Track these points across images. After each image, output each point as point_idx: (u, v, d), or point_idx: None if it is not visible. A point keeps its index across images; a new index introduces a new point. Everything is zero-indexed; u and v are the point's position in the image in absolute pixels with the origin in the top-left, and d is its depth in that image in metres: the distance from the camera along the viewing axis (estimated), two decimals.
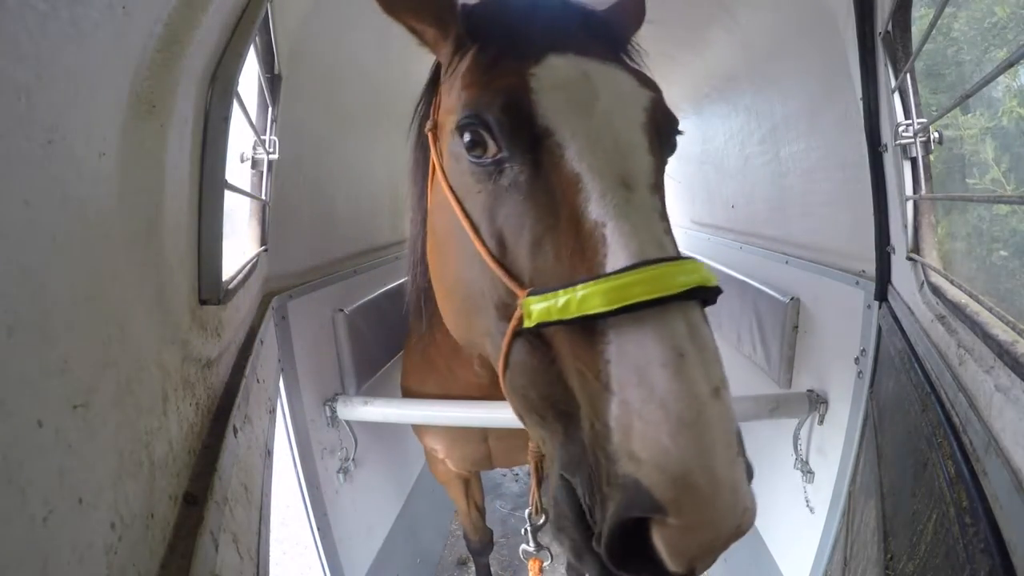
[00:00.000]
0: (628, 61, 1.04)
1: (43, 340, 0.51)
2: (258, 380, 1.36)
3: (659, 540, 0.62)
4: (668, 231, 0.78)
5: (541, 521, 1.52)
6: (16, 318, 0.47)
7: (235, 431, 1.05)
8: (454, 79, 1.01)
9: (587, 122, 0.82)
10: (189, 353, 0.95)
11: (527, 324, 0.77)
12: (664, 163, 0.90)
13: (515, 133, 0.84)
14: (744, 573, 2.80)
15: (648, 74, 1.01)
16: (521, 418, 0.89)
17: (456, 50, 1.04)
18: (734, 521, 0.62)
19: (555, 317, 0.72)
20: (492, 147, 0.86)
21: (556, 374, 0.77)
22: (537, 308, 0.75)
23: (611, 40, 1.03)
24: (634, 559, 0.64)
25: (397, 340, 2.54)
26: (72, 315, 0.56)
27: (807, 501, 2.03)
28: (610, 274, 0.69)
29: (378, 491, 2.63)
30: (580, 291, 0.69)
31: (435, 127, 1.10)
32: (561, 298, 0.71)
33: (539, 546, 1.56)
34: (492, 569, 2.93)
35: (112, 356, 0.65)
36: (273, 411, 1.57)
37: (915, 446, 1.16)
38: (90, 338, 0.60)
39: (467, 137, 0.88)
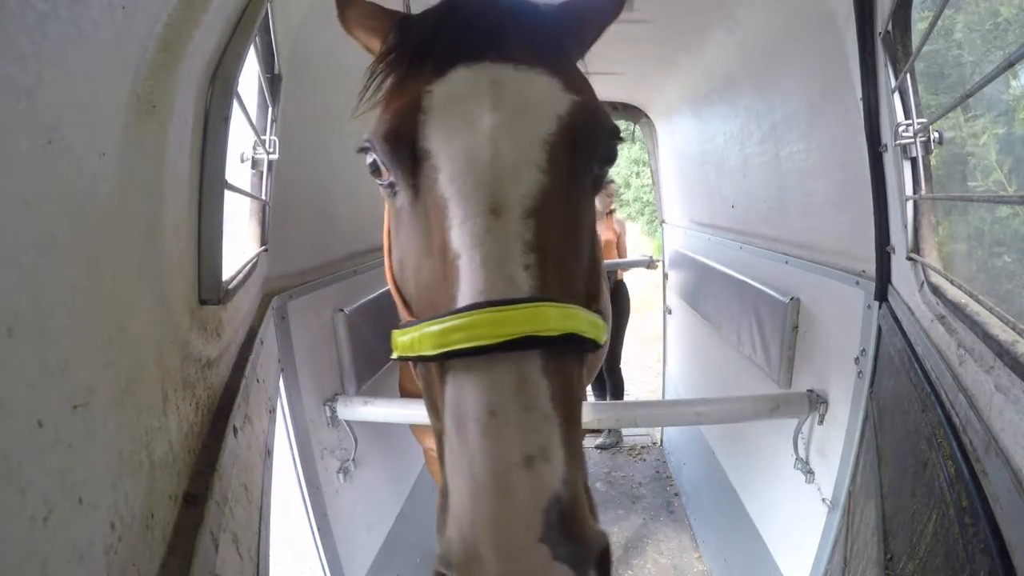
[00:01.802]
0: (563, 62, 0.90)
1: (43, 340, 0.51)
2: (258, 380, 1.36)
3: None
4: (533, 264, 0.67)
5: None
6: (16, 318, 0.47)
7: (235, 431, 1.05)
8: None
9: (468, 140, 0.75)
10: (189, 353, 0.95)
11: (392, 356, 0.76)
12: (583, 176, 0.81)
13: (397, 158, 0.80)
14: (744, 573, 2.80)
15: (581, 75, 0.92)
16: None
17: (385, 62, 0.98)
18: None
19: (407, 353, 0.70)
20: (386, 172, 0.84)
21: (433, 408, 0.74)
22: (400, 341, 0.72)
23: (552, 41, 0.91)
24: None
25: None
26: (72, 315, 0.56)
27: (807, 501, 2.03)
28: (446, 315, 0.64)
29: (378, 491, 2.63)
30: (422, 330, 0.66)
31: None
32: (413, 334, 0.68)
33: None
34: None
35: (112, 356, 0.65)
36: (273, 411, 1.57)
37: (915, 446, 1.16)
38: (90, 338, 0.60)
39: (369, 159, 0.86)
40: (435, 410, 0.72)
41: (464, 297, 0.66)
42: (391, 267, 0.95)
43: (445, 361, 0.64)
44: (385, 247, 1.02)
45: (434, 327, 0.64)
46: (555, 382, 0.62)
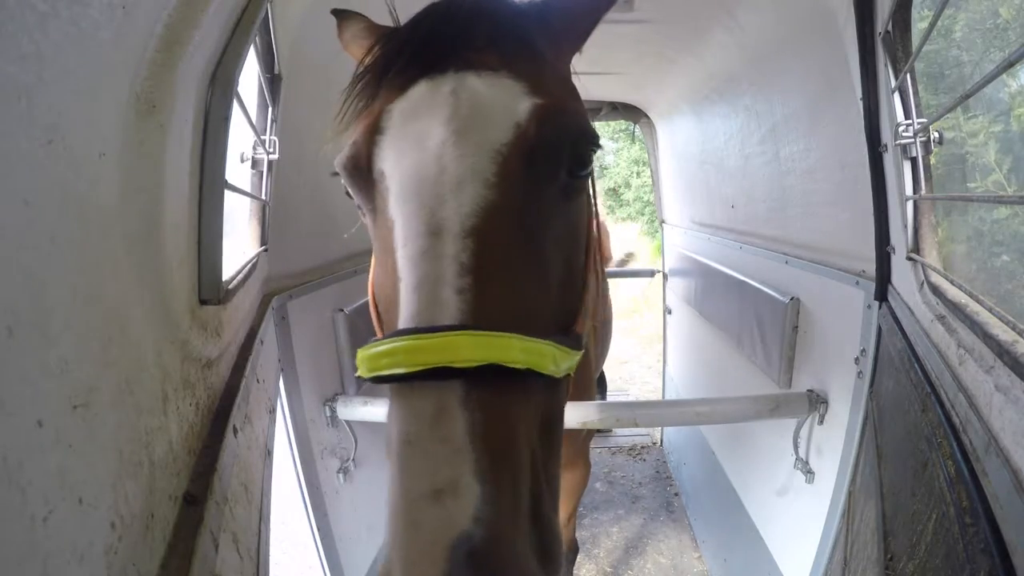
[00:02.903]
0: (537, 64, 0.83)
1: (43, 340, 0.51)
2: (258, 380, 1.36)
3: None
4: (468, 288, 0.64)
5: None
6: (16, 318, 0.47)
7: (235, 431, 1.05)
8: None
9: (415, 159, 0.72)
10: (189, 353, 0.95)
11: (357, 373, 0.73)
12: (546, 186, 0.75)
13: (357, 183, 0.79)
14: (744, 573, 2.80)
15: (558, 76, 0.87)
16: None
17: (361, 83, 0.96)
18: None
19: (359, 374, 0.67)
20: (351, 194, 0.83)
21: None
22: (359, 358, 0.69)
23: (526, 42, 0.85)
24: None
25: None
26: (72, 315, 0.56)
27: (807, 501, 2.03)
28: (379, 340, 0.63)
29: (378, 491, 2.63)
30: (364, 351, 0.64)
31: None
32: (361, 355, 0.66)
33: None
34: None
35: (112, 356, 0.65)
36: (273, 411, 1.57)
37: (915, 446, 1.16)
38: (90, 338, 0.60)
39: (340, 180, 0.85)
40: None
41: (399, 322, 0.65)
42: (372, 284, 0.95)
43: (387, 384, 0.63)
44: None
45: (370, 351, 0.63)
46: (478, 415, 0.58)
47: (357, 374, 0.69)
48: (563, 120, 0.76)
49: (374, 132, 0.77)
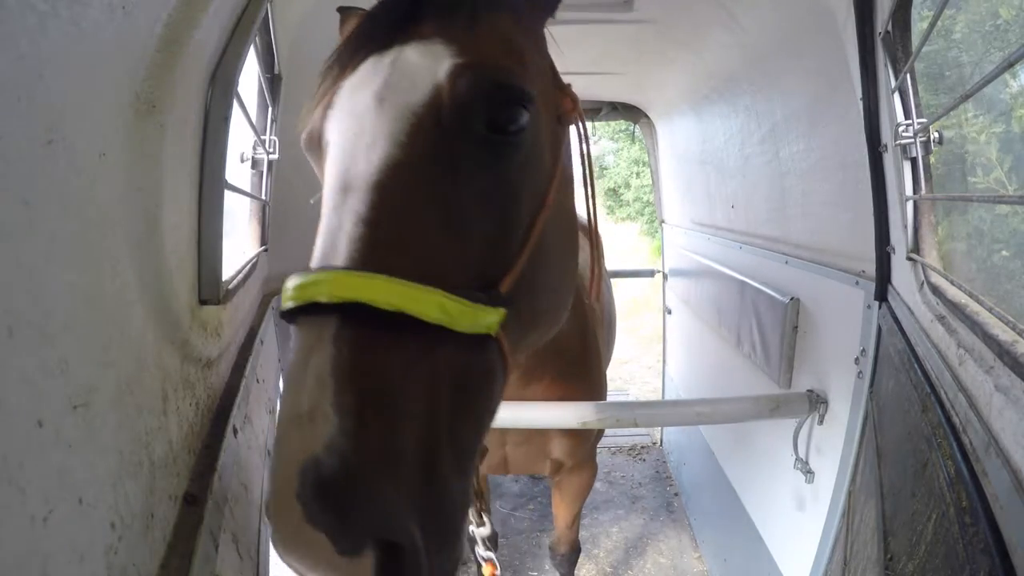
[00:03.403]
0: (482, 26, 0.85)
1: (43, 340, 0.51)
2: (258, 380, 1.36)
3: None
4: (360, 237, 0.68)
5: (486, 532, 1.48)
6: (16, 318, 0.47)
7: (235, 431, 1.05)
8: None
9: (345, 126, 0.78)
10: (189, 353, 0.95)
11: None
12: (462, 142, 0.77)
13: (314, 157, 0.86)
14: (744, 573, 2.80)
15: (503, 37, 0.87)
16: None
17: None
18: (307, 561, 0.56)
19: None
20: (316, 170, 0.88)
21: None
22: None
23: (463, 10, 0.86)
24: None
25: None
26: (72, 315, 0.56)
27: (807, 501, 2.03)
28: (303, 274, 0.68)
29: None
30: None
31: None
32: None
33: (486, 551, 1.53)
34: None
35: (112, 356, 0.65)
36: (273, 411, 1.57)
37: (915, 446, 1.16)
38: (90, 338, 0.60)
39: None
40: None
41: (314, 263, 0.71)
42: None
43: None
44: None
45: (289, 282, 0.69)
46: (344, 350, 0.61)
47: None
48: (477, 76, 0.77)
49: (326, 108, 0.83)
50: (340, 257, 0.67)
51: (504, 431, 1.88)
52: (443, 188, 0.74)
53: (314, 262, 0.69)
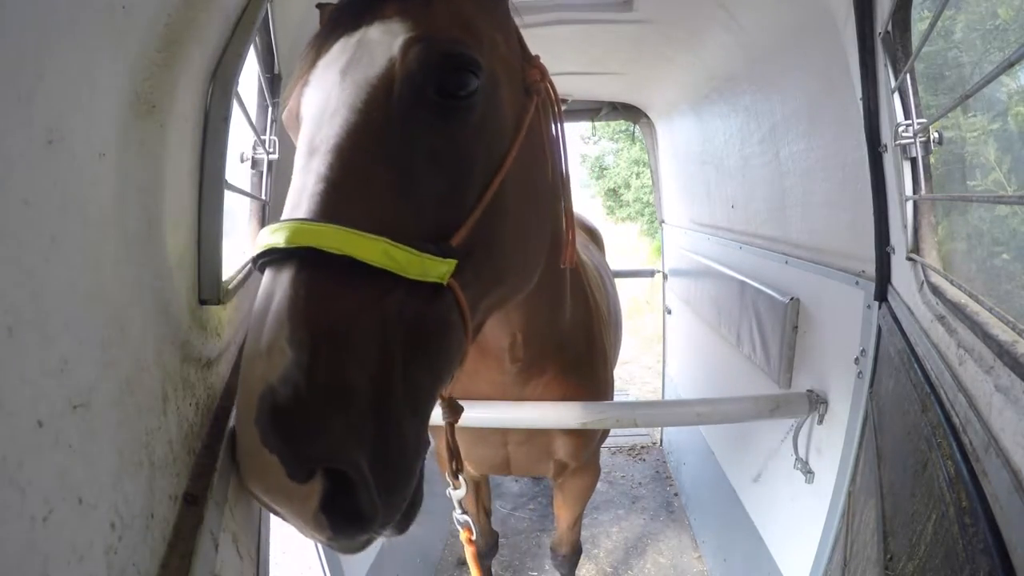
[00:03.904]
0: (428, 6, 0.92)
1: (43, 340, 0.51)
2: None
3: None
4: (320, 192, 0.75)
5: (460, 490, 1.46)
6: (16, 318, 0.47)
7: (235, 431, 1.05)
8: None
9: (314, 100, 0.86)
10: (189, 353, 0.94)
11: None
12: (415, 109, 0.84)
13: (294, 133, 0.91)
14: (744, 573, 2.80)
15: (453, 11, 0.93)
16: None
17: None
18: (279, 498, 0.65)
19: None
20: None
21: None
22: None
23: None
24: None
25: None
26: (72, 315, 0.56)
27: (807, 501, 2.03)
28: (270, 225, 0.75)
29: None
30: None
31: None
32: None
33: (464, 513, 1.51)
34: (492, 570, 2.93)
35: (112, 356, 0.65)
36: None
37: (915, 446, 1.16)
38: (90, 338, 0.60)
39: None
40: None
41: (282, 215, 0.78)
42: None
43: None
44: None
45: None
46: (300, 291, 0.68)
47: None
48: (426, 47, 0.84)
49: (303, 87, 0.90)
50: (301, 210, 0.74)
51: (505, 431, 1.88)
52: (396, 149, 0.81)
53: (282, 216, 0.76)
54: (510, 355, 1.56)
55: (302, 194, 0.76)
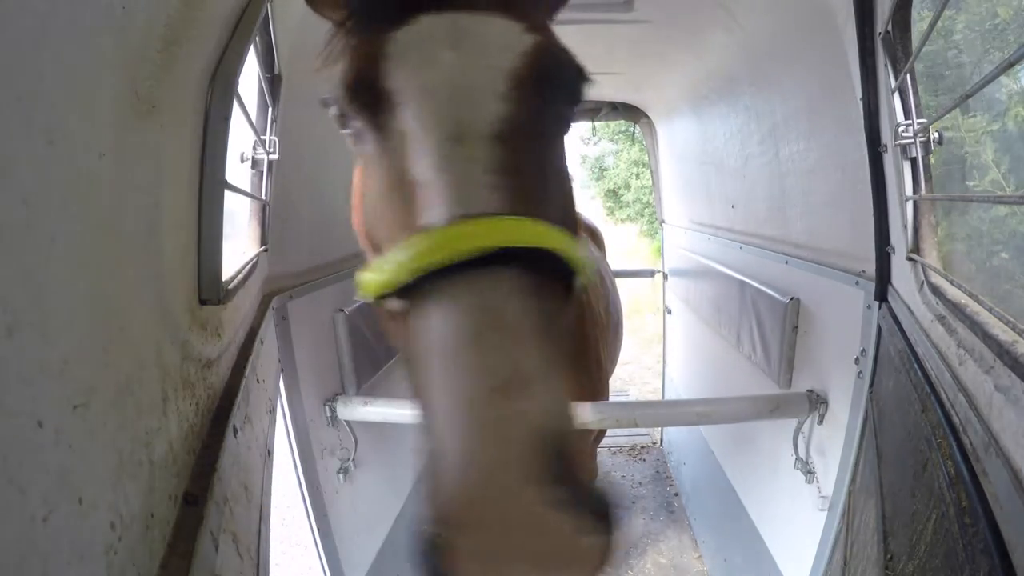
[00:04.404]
0: (528, 11, 0.89)
1: (43, 340, 0.51)
2: (258, 380, 1.36)
3: None
4: (500, 185, 0.65)
5: None
6: (16, 318, 0.47)
7: (235, 431, 1.05)
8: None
9: (429, 76, 0.76)
10: (189, 353, 0.95)
11: (363, 298, 0.69)
12: (546, 112, 0.80)
13: (361, 101, 0.80)
14: (744, 573, 2.80)
15: (546, 24, 0.92)
16: None
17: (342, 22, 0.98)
18: (554, 563, 0.47)
19: (369, 293, 0.65)
20: (351, 119, 0.84)
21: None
22: (364, 280, 0.67)
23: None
24: None
25: None
26: (72, 315, 0.56)
27: (807, 501, 2.03)
28: (413, 238, 0.60)
29: (378, 491, 2.63)
30: (392, 259, 0.61)
31: None
32: (364, 276, 0.64)
33: None
34: None
35: (112, 356, 0.65)
36: (273, 411, 1.57)
37: (915, 446, 1.16)
38: (90, 338, 0.60)
39: (333, 111, 0.86)
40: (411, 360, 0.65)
41: (427, 220, 0.63)
42: (361, 218, 0.92)
43: (420, 289, 0.58)
44: (354, 200, 0.99)
45: (396, 256, 0.60)
46: (533, 304, 0.55)
47: (362, 295, 0.65)
48: (560, 56, 0.83)
49: (379, 56, 0.80)
50: (490, 205, 0.62)
51: None
52: (539, 148, 0.76)
53: (451, 209, 0.62)
54: None
55: (471, 183, 0.65)
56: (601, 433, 2.23)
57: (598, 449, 5.05)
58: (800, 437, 2.03)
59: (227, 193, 1.11)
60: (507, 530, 0.46)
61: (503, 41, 0.80)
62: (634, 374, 7.43)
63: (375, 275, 0.65)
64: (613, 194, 18.09)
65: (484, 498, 0.46)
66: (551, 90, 0.80)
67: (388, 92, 0.77)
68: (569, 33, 0.95)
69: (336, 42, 0.91)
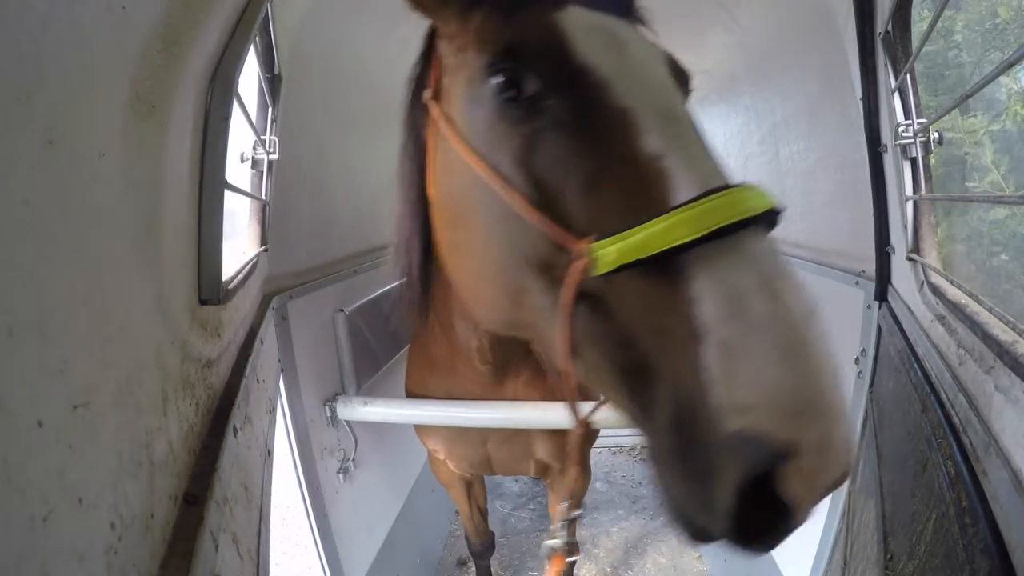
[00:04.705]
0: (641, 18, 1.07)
1: (43, 340, 0.51)
2: (258, 380, 1.36)
3: (785, 487, 0.55)
4: (717, 161, 0.74)
5: (578, 513, 1.34)
6: (16, 318, 0.47)
7: (235, 431, 1.05)
8: (465, 37, 0.98)
9: (625, 62, 0.82)
10: (189, 353, 0.95)
11: (600, 271, 0.69)
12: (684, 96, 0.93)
13: (555, 68, 0.82)
14: (744, 573, 2.80)
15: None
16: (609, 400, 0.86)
17: (464, 10, 0.99)
18: (850, 442, 0.58)
19: (633, 257, 0.65)
20: (530, 84, 0.82)
21: (628, 338, 0.69)
22: (609, 251, 0.68)
23: (623, 5, 1.04)
24: (759, 524, 0.58)
25: (397, 340, 2.54)
26: (72, 315, 0.56)
27: None
28: (686, 204, 0.65)
29: (378, 491, 2.63)
30: (659, 224, 0.64)
31: (436, 94, 1.07)
32: (638, 235, 0.65)
33: (572, 545, 1.36)
34: (492, 569, 2.93)
35: (112, 356, 0.65)
36: (273, 411, 1.57)
37: (915, 446, 1.16)
38: (90, 338, 0.60)
39: (499, 78, 0.84)
40: (624, 349, 0.70)
41: (689, 190, 0.68)
42: (475, 216, 0.94)
43: (698, 248, 0.63)
44: (450, 201, 1.02)
45: (686, 213, 0.64)
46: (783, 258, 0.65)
47: (637, 257, 0.66)
48: (682, 66, 0.97)
49: (559, 30, 0.85)
50: (727, 177, 0.71)
51: (486, 429, 1.87)
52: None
53: (708, 180, 0.69)
54: (479, 356, 1.57)
55: (707, 159, 0.74)
56: (594, 434, 2.22)
57: (598, 449, 5.06)
58: None
59: (227, 193, 1.11)
60: (835, 418, 0.56)
61: (654, 46, 0.93)
62: None
63: (623, 244, 0.67)
64: None
65: (821, 390, 0.56)
66: (684, 82, 0.94)
67: (582, 66, 0.81)
68: None
69: (491, 17, 0.93)
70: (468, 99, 0.95)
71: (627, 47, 0.85)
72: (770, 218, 0.67)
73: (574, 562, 2.68)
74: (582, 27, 0.85)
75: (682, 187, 0.68)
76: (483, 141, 0.91)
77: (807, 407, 0.55)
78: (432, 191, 1.15)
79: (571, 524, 1.34)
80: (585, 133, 0.78)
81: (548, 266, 0.80)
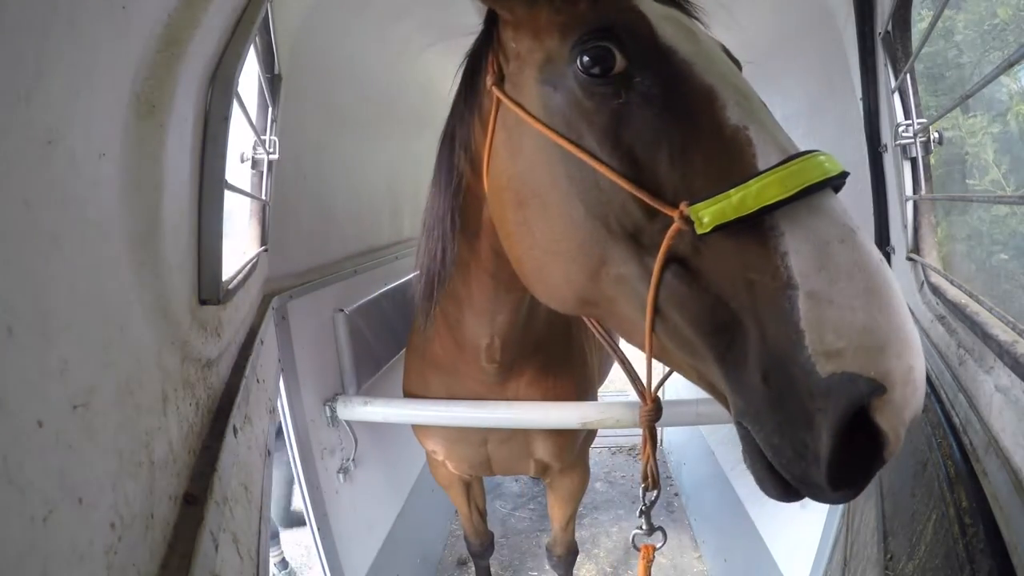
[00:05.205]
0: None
1: (43, 340, 0.51)
2: (258, 380, 1.36)
3: (881, 419, 0.61)
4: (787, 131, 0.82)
5: (655, 496, 1.36)
6: (16, 318, 0.47)
7: (235, 431, 1.05)
8: (536, 22, 1.00)
9: (700, 47, 0.90)
10: (189, 353, 0.95)
11: (701, 230, 0.75)
12: None
13: (643, 48, 0.87)
14: (744, 573, 2.80)
15: None
16: (680, 370, 0.89)
17: None
18: (924, 371, 0.64)
19: (732, 216, 0.72)
20: (620, 62, 0.87)
21: (717, 298, 0.75)
22: (708, 212, 0.74)
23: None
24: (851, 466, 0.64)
25: (397, 340, 2.54)
26: (72, 315, 0.56)
27: (807, 501, 2.03)
28: (775, 167, 0.72)
29: (378, 491, 2.63)
30: (754, 185, 0.71)
31: (500, 79, 1.09)
32: (735, 196, 0.72)
33: (652, 528, 1.39)
34: (492, 569, 2.93)
35: (112, 356, 0.65)
36: (273, 411, 1.57)
37: (915, 446, 1.16)
38: (90, 338, 0.60)
39: (587, 57, 0.88)
40: (716, 309, 0.75)
41: (774, 155, 0.75)
42: (557, 193, 0.95)
43: (787, 206, 0.71)
44: (526, 182, 1.02)
45: (776, 175, 0.71)
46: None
47: (735, 216, 0.72)
48: (732, 57, 1.06)
49: (642, 14, 0.91)
50: (795, 147, 0.77)
51: (486, 429, 1.87)
52: None
53: (786, 147, 0.77)
54: (486, 355, 1.57)
55: (781, 129, 0.81)
56: (592, 433, 2.23)
57: (598, 449, 5.06)
58: None
59: (227, 193, 1.11)
60: (916, 353, 0.62)
61: (704, 30, 1.02)
62: None
63: (721, 205, 0.73)
64: None
65: (903, 329, 0.62)
66: (739, 68, 1.01)
67: (667, 48, 0.88)
68: None
69: (571, 2, 0.97)
70: (544, 80, 0.97)
71: (697, 34, 0.94)
72: (841, 180, 0.75)
73: (572, 561, 2.69)
74: (659, 14, 0.92)
75: (768, 153, 0.75)
76: (563, 119, 0.94)
77: (893, 344, 0.61)
78: (488, 176, 1.15)
79: (649, 508, 1.40)
80: (674, 107, 0.84)
81: (638, 232, 0.85)
